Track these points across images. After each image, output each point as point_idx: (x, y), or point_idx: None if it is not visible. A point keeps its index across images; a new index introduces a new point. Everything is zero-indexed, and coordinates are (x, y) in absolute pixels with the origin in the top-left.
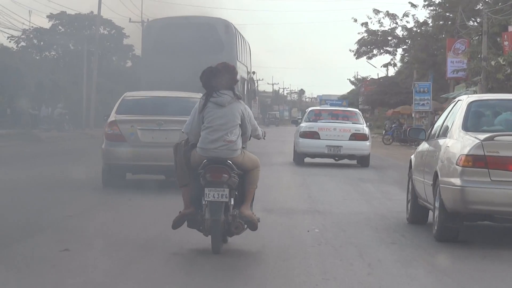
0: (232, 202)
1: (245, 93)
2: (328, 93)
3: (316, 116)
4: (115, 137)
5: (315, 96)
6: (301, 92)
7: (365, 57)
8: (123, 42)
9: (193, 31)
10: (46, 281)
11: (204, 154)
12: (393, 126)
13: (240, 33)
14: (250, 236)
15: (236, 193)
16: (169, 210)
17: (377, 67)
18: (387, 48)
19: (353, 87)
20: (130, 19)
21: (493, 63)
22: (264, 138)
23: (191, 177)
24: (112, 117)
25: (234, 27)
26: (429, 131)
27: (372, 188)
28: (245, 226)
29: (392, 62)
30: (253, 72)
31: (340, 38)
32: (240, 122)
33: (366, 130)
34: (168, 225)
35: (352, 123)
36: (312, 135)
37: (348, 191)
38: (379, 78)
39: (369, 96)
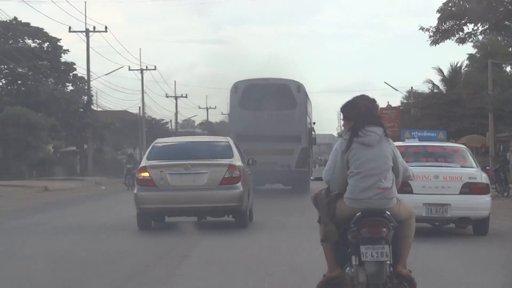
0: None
1: (311, 140)
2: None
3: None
4: (146, 182)
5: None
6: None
7: (453, 39)
8: (60, 58)
9: (271, 90)
10: None
11: (355, 205)
12: None
13: (305, 91)
14: None
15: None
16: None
17: (398, 89)
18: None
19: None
20: (70, 28)
21: None
22: (412, 179)
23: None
24: (143, 163)
25: (303, 86)
26: None
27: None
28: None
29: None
30: (314, 123)
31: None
32: (392, 164)
33: (484, 178)
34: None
35: (461, 167)
36: (401, 187)
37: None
38: (422, 96)
39: (413, 123)
